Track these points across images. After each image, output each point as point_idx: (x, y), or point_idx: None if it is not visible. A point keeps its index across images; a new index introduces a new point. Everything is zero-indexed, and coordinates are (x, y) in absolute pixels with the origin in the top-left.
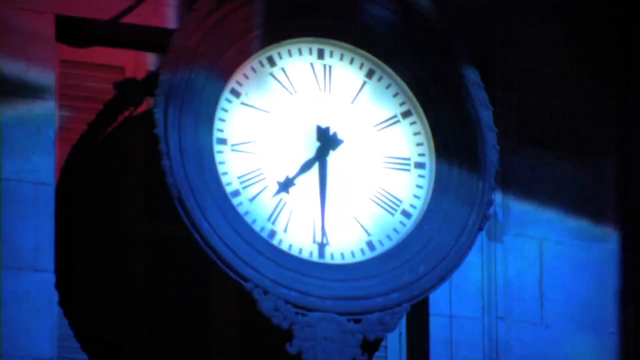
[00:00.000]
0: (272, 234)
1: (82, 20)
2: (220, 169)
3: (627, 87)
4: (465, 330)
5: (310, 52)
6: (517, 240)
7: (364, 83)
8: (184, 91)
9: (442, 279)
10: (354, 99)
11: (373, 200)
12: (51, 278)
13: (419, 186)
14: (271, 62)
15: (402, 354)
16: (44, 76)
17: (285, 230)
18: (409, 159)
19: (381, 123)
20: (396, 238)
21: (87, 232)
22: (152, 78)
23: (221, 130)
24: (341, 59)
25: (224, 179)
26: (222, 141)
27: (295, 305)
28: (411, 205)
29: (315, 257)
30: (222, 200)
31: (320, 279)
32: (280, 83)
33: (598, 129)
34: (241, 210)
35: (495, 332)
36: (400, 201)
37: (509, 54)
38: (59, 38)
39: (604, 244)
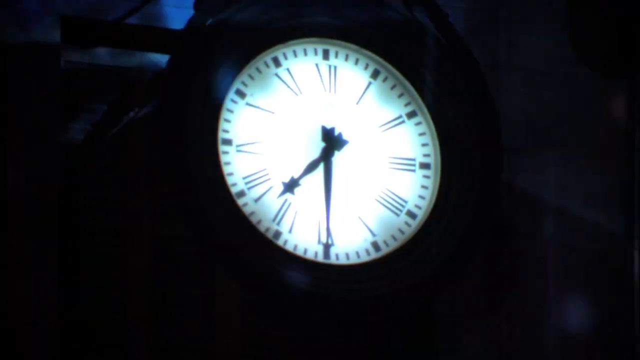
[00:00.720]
0: (277, 234)
1: (86, 21)
2: (226, 169)
3: (631, 87)
4: (470, 331)
5: (316, 53)
6: (522, 240)
7: (369, 84)
8: (188, 92)
9: (446, 279)
10: (359, 100)
11: (378, 201)
12: (54, 278)
13: (424, 187)
14: (276, 62)
15: (407, 355)
16: (48, 76)
17: (290, 231)
18: (414, 160)
19: (386, 123)
20: (401, 238)
21: (90, 232)
22: (156, 79)
23: (226, 131)
24: (346, 59)
25: (229, 180)
26: (227, 142)
27: (300, 307)
28: (416, 206)
29: (320, 258)
30: (227, 200)
31: (326, 279)
32: (286, 84)
33: (603, 128)
34: (246, 210)
35: (499, 332)
36: (406, 202)
37: (513, 54)
38: (62, 38)
39: (608, 244)
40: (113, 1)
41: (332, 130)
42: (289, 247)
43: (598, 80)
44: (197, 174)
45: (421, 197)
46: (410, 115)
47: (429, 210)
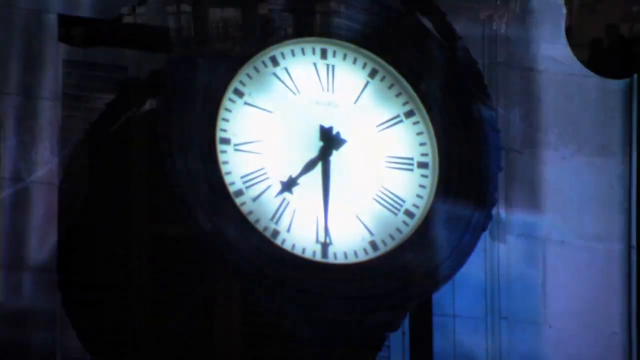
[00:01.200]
0: (276, 233)
1: (84, 19)
2: (224, 168)
3: (631, 86)
4: (469, 330)
5: (313, 52)
6: (520, 240)
7: (367, 83)
8: (187, 91)
9: (445, 279)
10: (357, 99)
11: (376, 200)
12: (53, 278)
13: (422, 186)
14: (274, 62)
15: (405, 354)
16: (47, 76)
17: (288, 230)
18: (412, 159)
19: (384, 123)
20: (399, 238)
21: (90, 232)
22: (154, 78)
23: (224, 130)
24: (344, 58)
25: (228, 179)
26: (226, 141)
27: (298, 306)
28: (414, 205)
29: (318, 257)
30: (226, 200)
31: (324, 278)
32: (284, 83)
33: (602, 128)
34: (244, 209)
35: (498, 332)
36: (404, 201)
37: (512, 54)
38: (61, 38)
39: (607, 243)
40: (112, 1)
41: (330, 129)
42: (287, 246)
43: (598, 80)
44: (195, 173)
45: (419, 196)
46: (408, 114)
47: (427, 209)
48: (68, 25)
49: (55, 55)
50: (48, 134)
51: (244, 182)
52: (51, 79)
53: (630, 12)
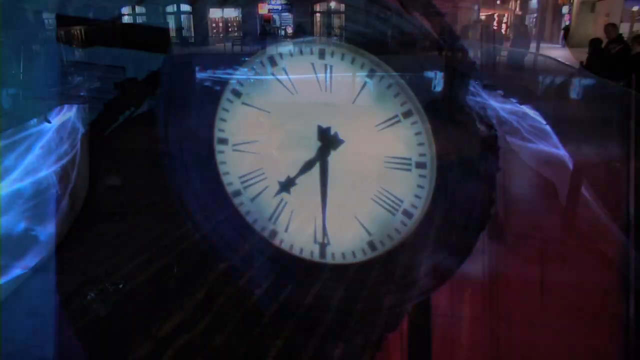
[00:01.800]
0: (274, 233)
1: (84, 19)
2: (222, 168)
3: (630, 86)
4: (467, 330)
5: (311, 52)
6: (518, 240)
7: (365, 83)
8: (184, 91)
9: (443, 278)
10: (355, 99)
11: (374, 200)
12: (52, 278)
13: (420, 186)
14: (272, 62)
15: (403, 354)
16: (47, 76)
17: (286, 230)
18: (410, 159)
19: (382, 123)
20: (397, 238)
21: (87, 232)
22: (152, 78)
23: (222, 130)
24: (342, 58)
25: (225, 179)
26: (224, 141)
27: (296, 305)
28: (412, 205)
29: (316, 257)
30: (224, 200)
31: (321, 279)
32: (281, 83)
33: (601, 128)
34: (242, 210)
35: (496, 332)
36: (402, 201)
37: (510, 54)
38: (60, 38)
39: (606, 243)
40: (110, 0)
41: (328, 129)
42: (285, 247)
43: (597, 80)
44: (193, 173)
45: (417, 196)
46: (406, 114)
47: (425, 209)
48: (67, 25)
49: (55, 55)
50: (48, 134)
51: (242, 183)
52: (52, 79)
53: (630, 12)
